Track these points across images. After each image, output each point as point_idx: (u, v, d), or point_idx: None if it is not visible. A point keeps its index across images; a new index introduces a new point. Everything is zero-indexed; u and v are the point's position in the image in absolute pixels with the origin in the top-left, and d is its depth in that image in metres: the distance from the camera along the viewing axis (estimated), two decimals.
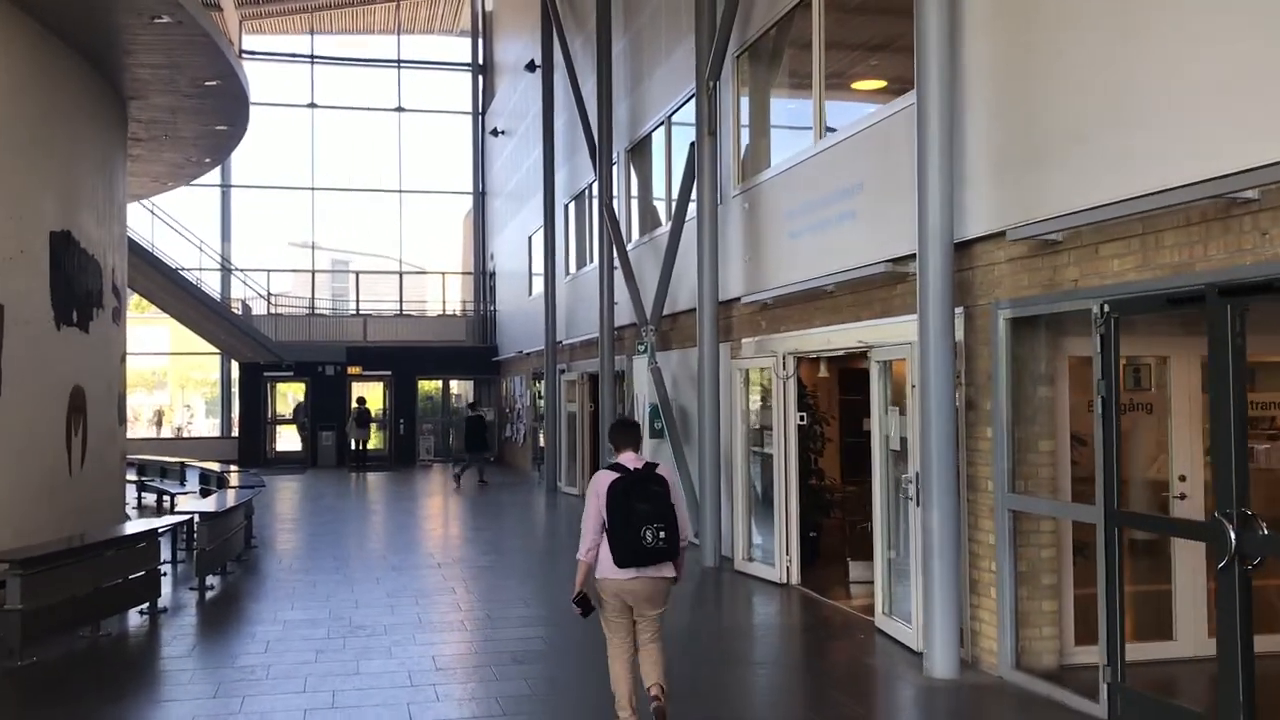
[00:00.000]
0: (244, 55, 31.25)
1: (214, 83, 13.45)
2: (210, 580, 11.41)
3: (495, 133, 30.76)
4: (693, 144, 12.81)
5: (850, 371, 13.45)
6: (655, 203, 16.90)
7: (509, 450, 29.66)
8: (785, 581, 11.15)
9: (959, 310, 7.95)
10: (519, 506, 19.68)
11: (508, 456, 29.78)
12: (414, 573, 12.30)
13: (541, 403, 24.63)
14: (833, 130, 10.89)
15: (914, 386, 8.32)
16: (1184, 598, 7.97)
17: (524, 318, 26.57)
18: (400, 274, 33.27)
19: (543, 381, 22.96)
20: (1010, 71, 7.43)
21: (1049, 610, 7.70)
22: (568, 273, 21.88)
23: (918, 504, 8.29)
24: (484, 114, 33.54)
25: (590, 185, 19.66)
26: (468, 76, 34.36)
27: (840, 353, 10.37)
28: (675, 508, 6.17)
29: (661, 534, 6.02)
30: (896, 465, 9.12)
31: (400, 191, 33.71)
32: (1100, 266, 6.68)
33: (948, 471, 7.75)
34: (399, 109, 33.78)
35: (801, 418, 11.21)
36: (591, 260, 19.93)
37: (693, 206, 13.36)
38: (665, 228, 15.36)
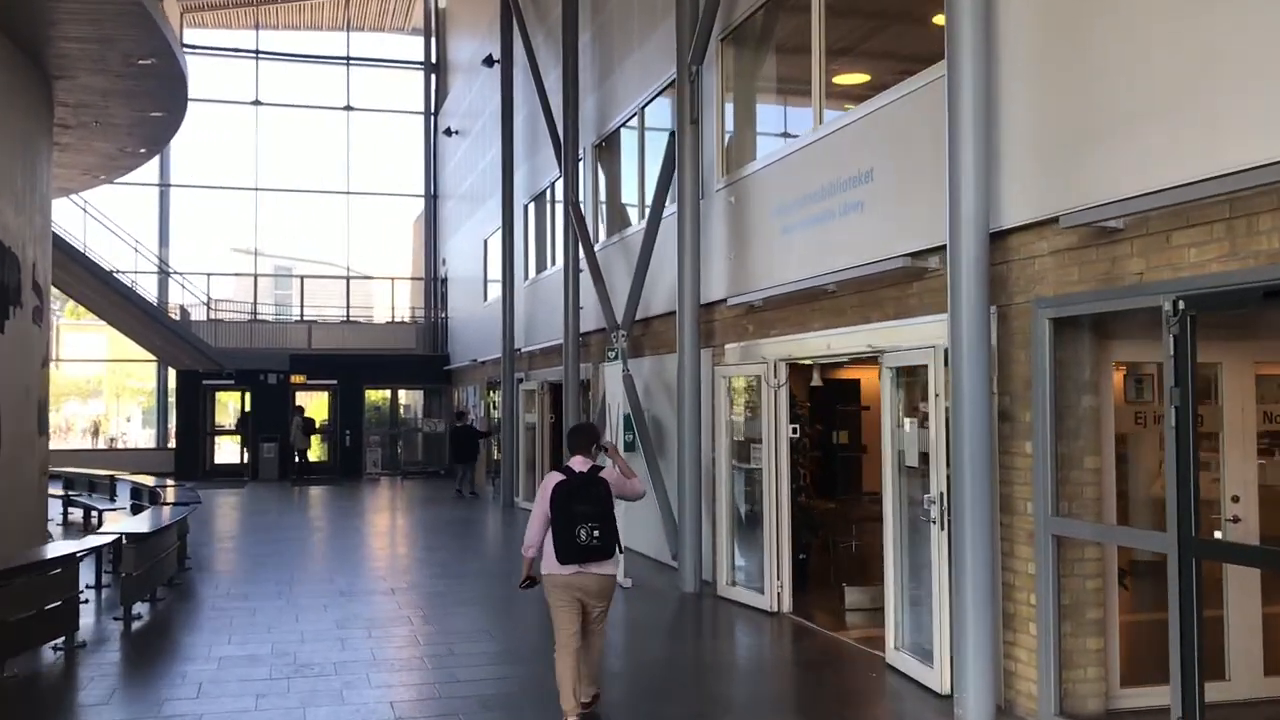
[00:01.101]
0: (185, 49, 29.88)
1: (148, 61, 12.29)
2: (137, 609, 10.23)
3: (449, 132, 29.64)
4: (672, 134, 11.89)
5: (825, 380, 12.57)
6: (625, 203, 15.96)
7: None
8: (776, 609, 10.20)
9: (991, 310, 7.06)
10: (474, 524, 18.58)
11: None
12: (365, 599, 11.20)
13: (497, 413, 23.60)
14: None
15: (937, 395, 7.44)
16: (1238, 632, 7.14)
17: (478, 324, 25.48)
18: (347, 279, 32.00)
19: (499, 391, 21.91)
20: (1059, 36, 6.55)
21: (1094, 648, 6.82)
22: (527, 277, 20.84)
23: (942, 527, 7.41)
24: (436, 114, 32.43)
25: (553, 184, 18.68)
26: (420, 75, 33.23)
27: (843, 358, 9.45)
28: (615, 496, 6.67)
29: (595, 533, 6.48)
30: (910, 482, 8.22)
31: (348, 193, 32.46)
32: (1173, 257, 5.81)
33: (983, 492, 6.85)
34: (348, 108, 32.57)
35: (794, 430, 10.30)
36: (554, 263, 18.92)
37: (671, 203, 12.45)
38: (636, 227, 14.43)
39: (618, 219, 15.99)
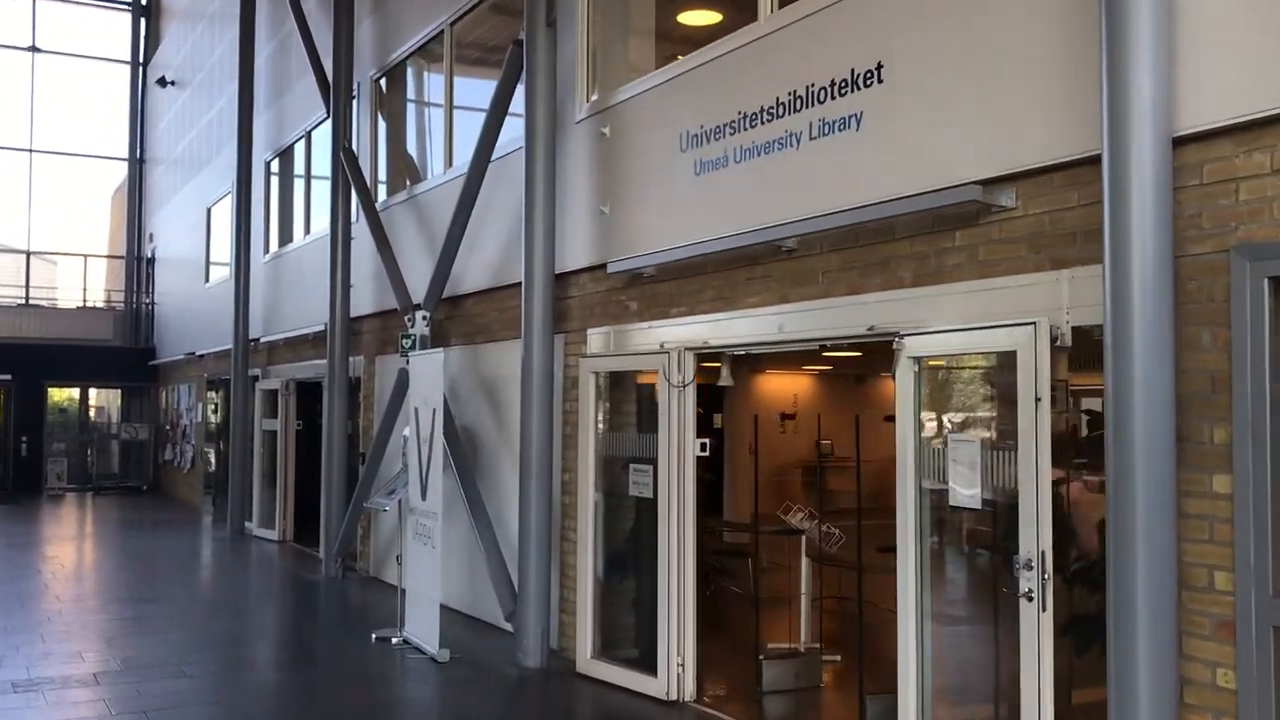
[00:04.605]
0: None
1: None
2: None
3: (163, 82, 24.91)
4: (517, 42, 8.79)
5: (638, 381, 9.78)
6: (415, 150, 12.66)
7: (169, 478, 23.93)
8: (676, 697, 7.29)
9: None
10: (199, 560, 14.61)
11: (168, 486, 24.03)
12: (55, 697, 7.43)
13: (215, 417, 19.54)
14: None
15: (1039, 400, 4.78)
16: None
17: (199, 311, 21.15)
18: (27, 254, 26.55)
19: (224, 391, 17.90)
20: None
21: None
22: (268, 251, 16.99)
23: (1043, 607, 4.75)
24: (146, 65, 27.51)
25: (309, 133, 15.04)
26: (127, 17, 28.12)
27: (809, 345, 6.65)
28: None
29: None
30: (946, 526, 5.56)
31: (31, 151, 26.93)
32: None
33: (1166, 555, 4.24)
34: (33, 49, 27.04)
35: (702, 446, 7.44)
36: (307, 233, 15.31)
37: (506, 141, 9.38)
38: (433, 181, 11.22)
39: (404, 172, 12.65)
